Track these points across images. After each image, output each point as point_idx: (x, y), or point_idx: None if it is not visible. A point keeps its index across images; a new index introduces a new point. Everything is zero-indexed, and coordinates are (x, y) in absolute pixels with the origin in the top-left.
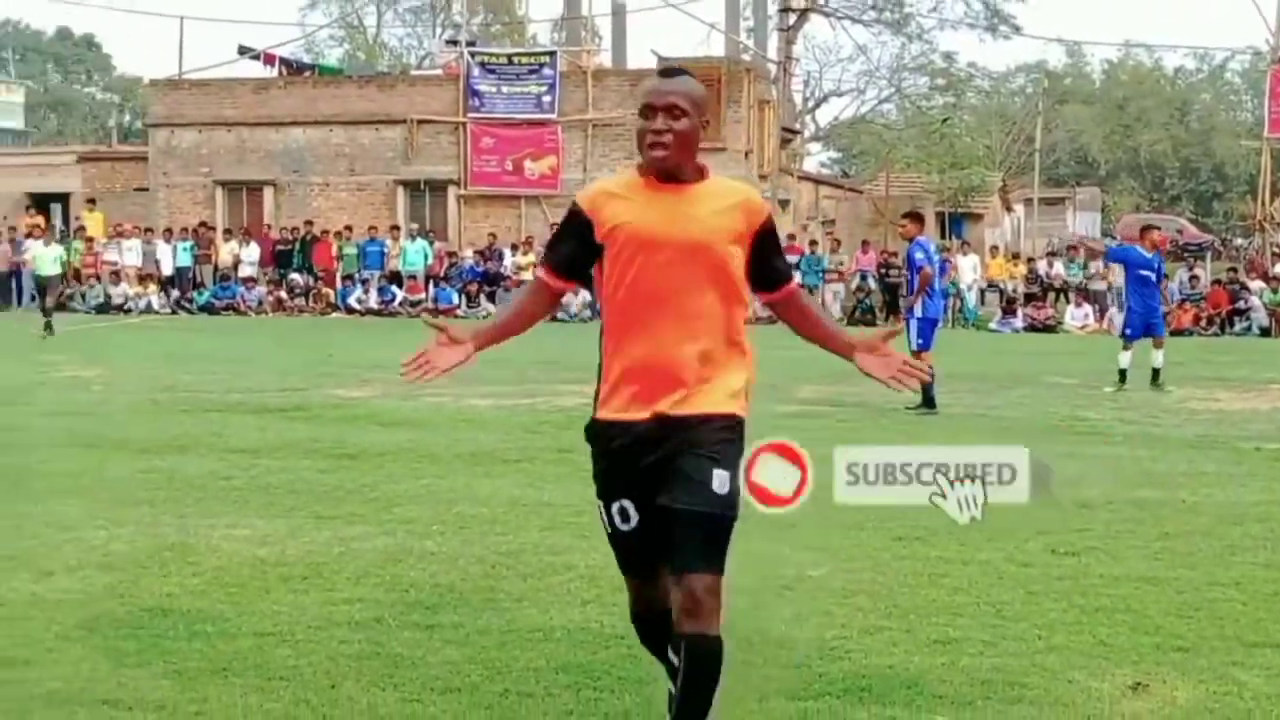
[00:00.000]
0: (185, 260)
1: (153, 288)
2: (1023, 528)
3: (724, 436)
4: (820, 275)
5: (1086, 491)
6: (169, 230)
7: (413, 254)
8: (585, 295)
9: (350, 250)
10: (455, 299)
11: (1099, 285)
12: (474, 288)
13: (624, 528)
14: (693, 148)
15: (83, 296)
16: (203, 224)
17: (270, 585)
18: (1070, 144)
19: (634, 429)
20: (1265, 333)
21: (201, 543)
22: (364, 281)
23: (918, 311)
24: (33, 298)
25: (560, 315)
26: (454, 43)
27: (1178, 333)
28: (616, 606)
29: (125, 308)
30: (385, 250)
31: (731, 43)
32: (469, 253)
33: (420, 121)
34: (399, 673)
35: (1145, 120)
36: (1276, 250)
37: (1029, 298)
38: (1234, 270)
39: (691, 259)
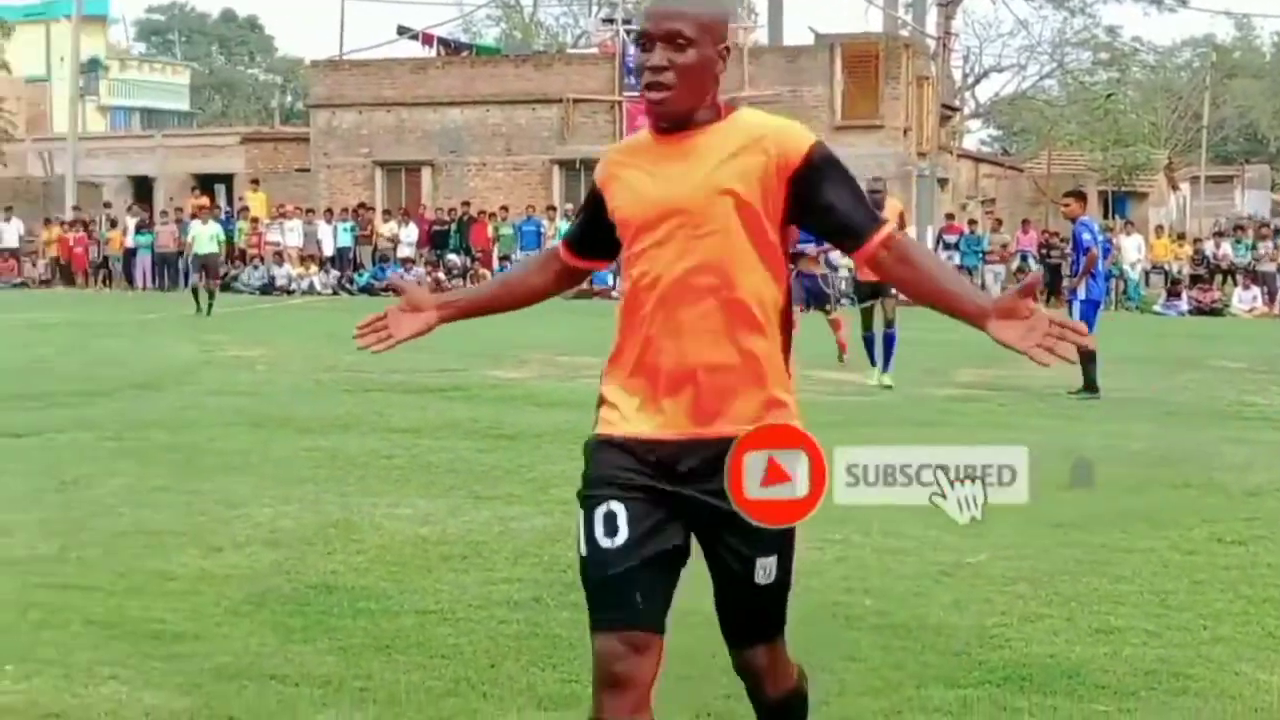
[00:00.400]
0: (346, 241)
1: (314, 268)
2: (1188, 515)
3: None
4: (980, 256)
5: (1254, 478)
6: (329, 211)
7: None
8: None
9: (506, 230)
10: (610, 280)
11: (1268, 267)
12: None
13: (606, 543)
14: (705, 86)
15: (246, 277)
16: (362, 205)
17: (431, 564)
18: (1239, 120)
19: (640, 449)
20: None
21: (364, 520)
22: (520, 261)
23: (1080, 294)
24: (183, 278)
25: None
26: (610, 21)
27: None
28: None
29: (289, 289)
30: (542, 230)
31: (889, 18)
32: None
33: (576, 100)
34: (558, 653)
35: None
36: None
37: (1195, 280)
38: None
39: (693, 231)
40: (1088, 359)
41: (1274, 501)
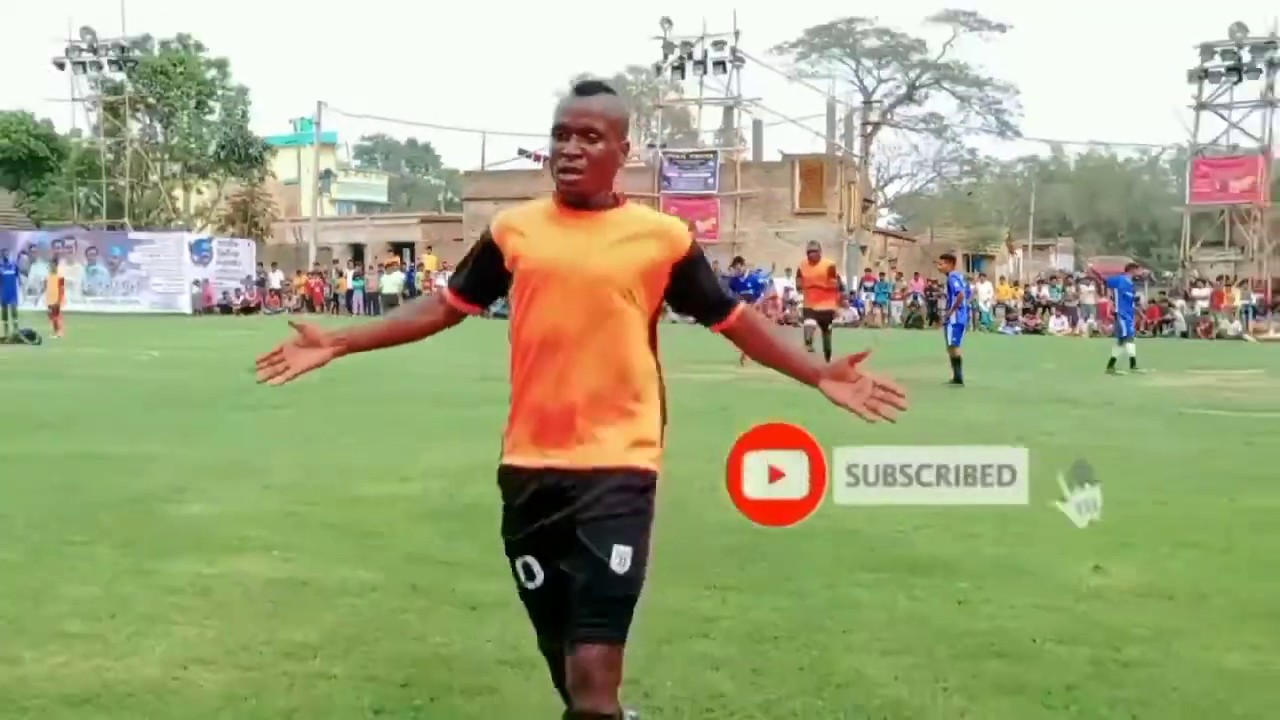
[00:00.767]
0: None
1: None
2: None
3: (624, 500)
4: (888, 295)
5: (1063, 440)
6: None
7: None
8: None
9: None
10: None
11: (1072, 303)
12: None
13: (530, 585)
14: (608, 173)
15: None
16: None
17: None
18: (1054, 209)
19: (531, 480)
20: (1184, 335)
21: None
22: None
23: (953, 320)
24: (379, 309)
25: None
26: (652, 146)
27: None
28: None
29: None
30: None
31: (830, 144)
32: None
33: (630, 196)
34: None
35: (1104, 194)
36: (1192, 281)
37: (1025, 311)
38: (1164, 293)
39: (591, 294)
40: (956, 362)
41: (1081, 454)
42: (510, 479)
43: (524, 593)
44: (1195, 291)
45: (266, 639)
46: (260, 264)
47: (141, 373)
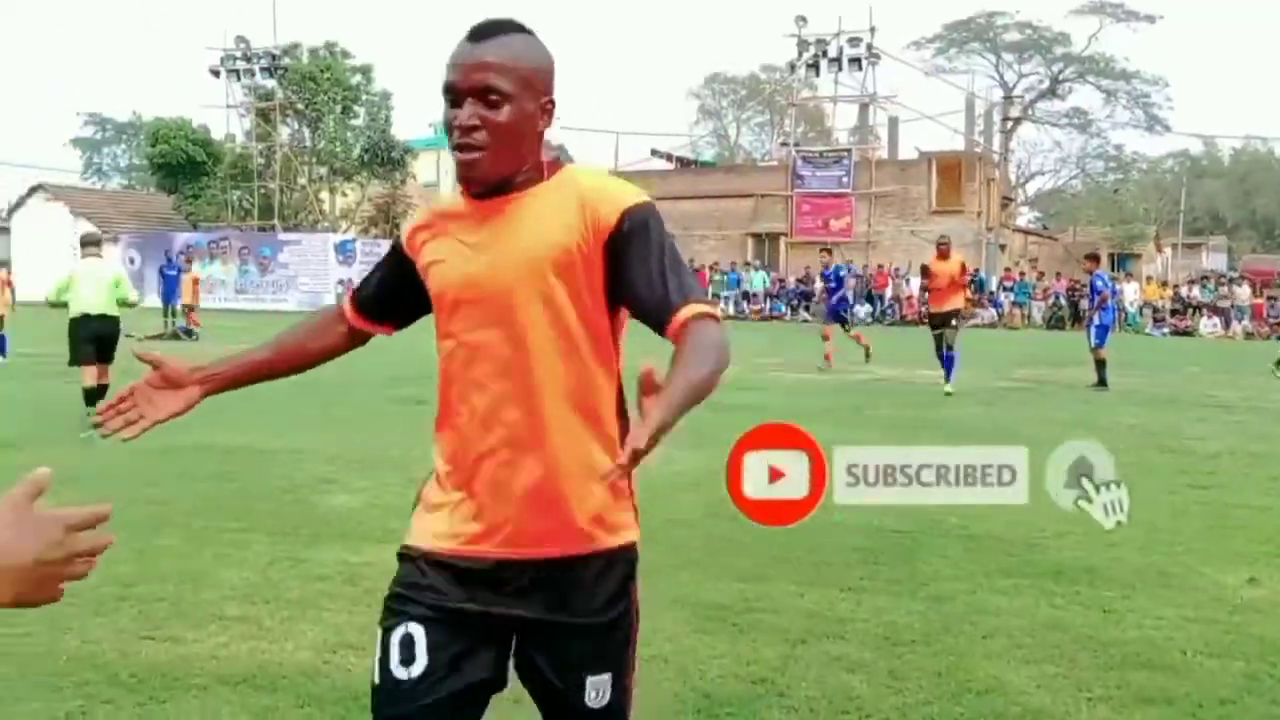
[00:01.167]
0: None
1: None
2: (1169, 469)
3: (598, 610)
4: (1027, 295)
5: (1213, 445)
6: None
7: (757, 280)
8: None
9: (718, 277)
10: (783, 308)
11: (1224, 304)
12: (795, 302)
13: (400, 674)
14: (523, 146)
15: None
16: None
17: (680, 487)
18: (1205, 206)
19: (450, 564)
20: None
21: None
22: (726, 298)
23: (1096, 321)
24: None
25: None
26: (785, 144)
27: None
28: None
29: None
30: (740, 278)
31: (969, 140)
32: (793, 279)
33: (763, 195)
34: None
35: (1260, 189)
36: None
37: (1173, 312)
38: None
39: (510, 310)
40: (1100, 364)
41: (1228, 461)
42: (416, 559)
43: (384, 684)
44: None
45: None
46: None
47: None
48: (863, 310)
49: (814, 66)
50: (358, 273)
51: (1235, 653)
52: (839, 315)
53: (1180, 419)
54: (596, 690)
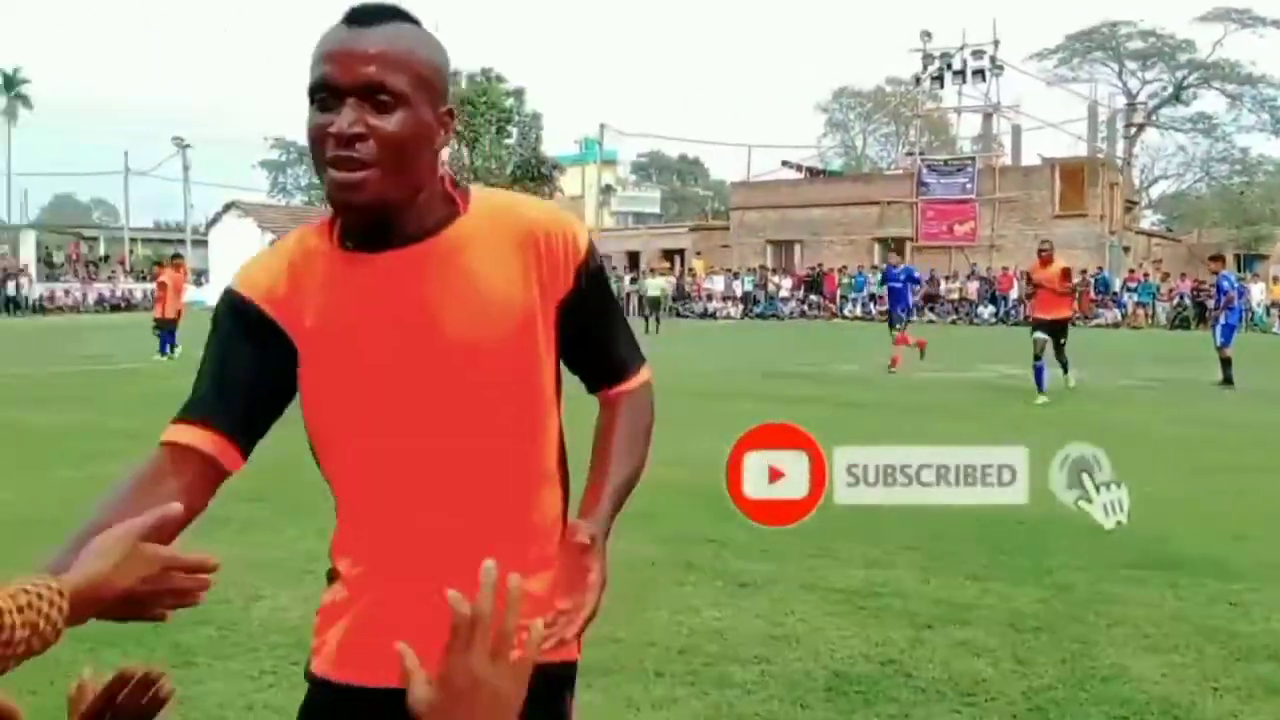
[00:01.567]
0: (749, 287)
1: (730, 304)
2: None
3: None
4: (1152, 296)
5: None
6: (737, 270)
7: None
8: None
9: (846, 280)
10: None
11: None
12: (920, 302)
13: None
14: (417, 163)
15: (690, 310)
16: (761, 265)
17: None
18: None
19: (359, 699)
20: None
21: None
22: (854, 300)
23: (1222, 320)
24: (642, 308)
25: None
26: (911, 154)
27: None
28: None
29: (715, 315)
30: (866, 280)
31: (1092, 146)
32: None
33: (889, 202)
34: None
35: None
36: None
37: None
38: None
39: (448, 381)
40: (1225, 363)
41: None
42: (316, 699)
43: None
44: None
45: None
46: None
47: None
48: (986, 311)
49: (938, 79)
50: None
51: None
52: (895, 318)
53: None
54: None
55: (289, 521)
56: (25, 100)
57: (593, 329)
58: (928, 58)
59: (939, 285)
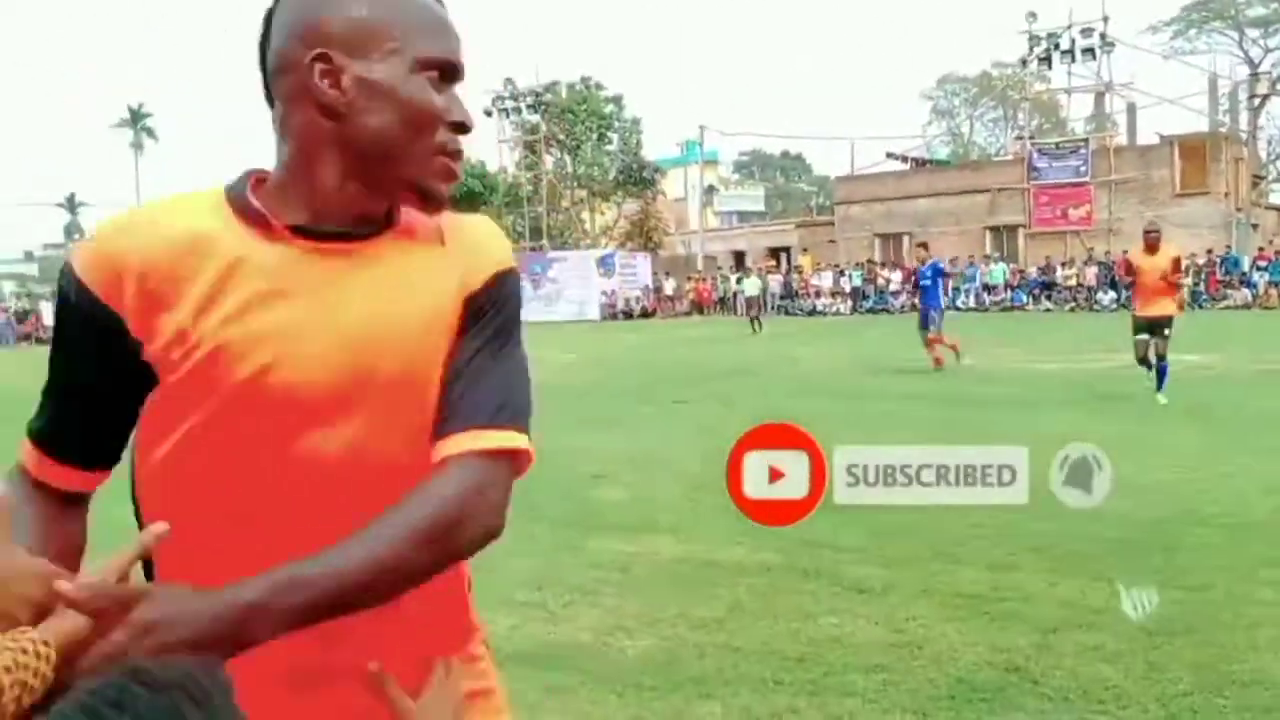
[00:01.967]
0: (857, 281)
1: (839, 299)
2: None
3: None
4: None
5: None
6: (844, 265)
7: (996, 272)
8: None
9: (957, 272)
10: (1024, 298)
11: None
12: (1036, 292)
13: None
14: None
15: (798, 308)
16: (868, 260)
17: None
18: None
19: None
20: None
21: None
22: (966, 291)
23: None
24: (739, 309)
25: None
26: (1020, 138)
27: None
28: None
29: (823, 312)
30: (978, 271)
31: (1213, 121)
32: (1034, 270)
33: (999, 189)
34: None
35: None
36: None
37: None
38: None
39: (376, 410)
40: None
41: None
42: None
43: None
44: None
45: (678, 612)
46: (655, 274)
47: (562, 375)
48: (1106, 297)
49: (1045, 60)
50: (618, 284)
51: None
52: (927, 318)
53: None
54: None
55: None
56: (150, 133)
57: (464, 350)
58: (1034, 39)
59: (1054, 272)
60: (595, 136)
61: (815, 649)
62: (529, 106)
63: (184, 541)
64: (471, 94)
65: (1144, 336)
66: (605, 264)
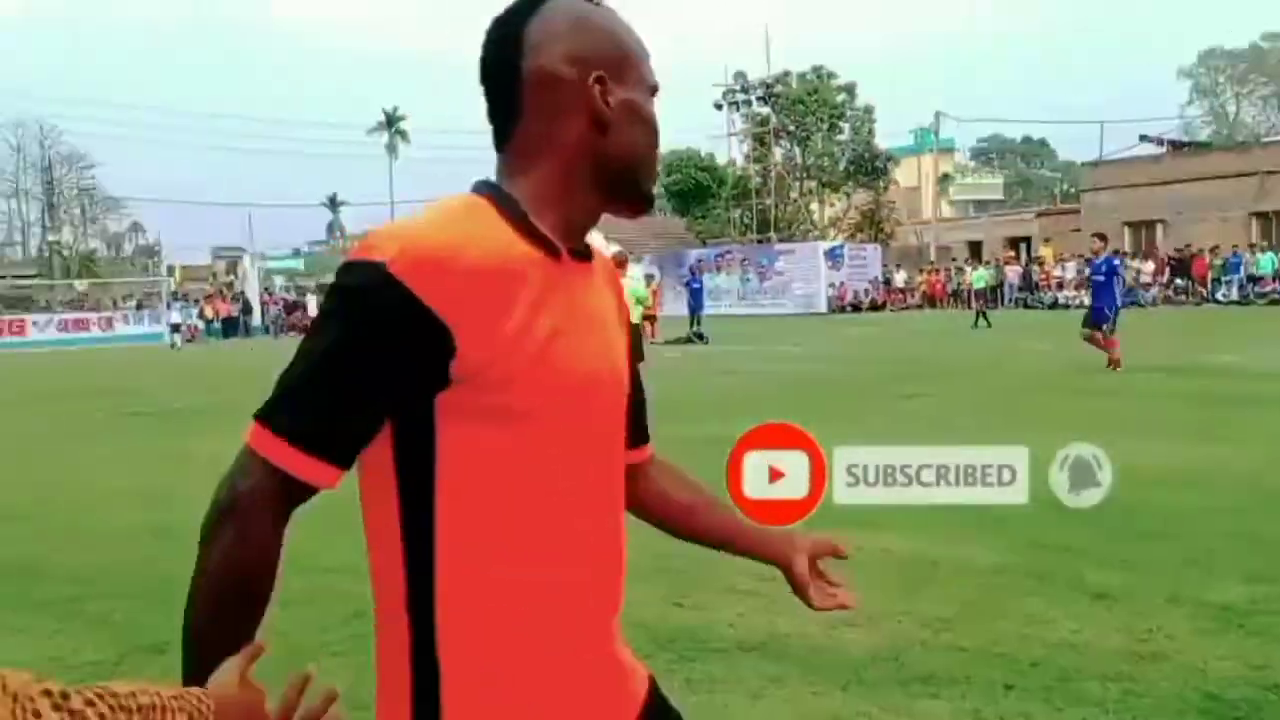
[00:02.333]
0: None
1: (1084, 292)
2: None
3: None
4: None
5: None
6: (1089, 255)
7: (1264, 262)
8: None
9: (1218, 262)
10: None
11: None
12: None
13: None
14: None
15: (1039, 300)
16: (1117, 249)
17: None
18: None
19: None
20: None
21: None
22: (1228, 283)
23: None
24: (970, 302)
25: None
26: None
27: None
28: None
29: (1065, 305)
30: (1243, 260)
31: None
32: None
33: (1269, 172)
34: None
35: None
36: None
37: None
38: None
39: (618, 420)
40: None
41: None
42: None
43: None
44: None
45: (905, 609)
46: (886, 265)
47: (790, 366)
48: None
49: None
50: (846, 275)
51: None
52: (1100, 317)
53: None
54: None
55: None
56: (404, 135)
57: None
58: None
59: None
60: (826, 126)
61: (1049, 654)
62: (759, 99)
63: (512, 560)
64: (700, 88)
65: None
66: (833, 256)
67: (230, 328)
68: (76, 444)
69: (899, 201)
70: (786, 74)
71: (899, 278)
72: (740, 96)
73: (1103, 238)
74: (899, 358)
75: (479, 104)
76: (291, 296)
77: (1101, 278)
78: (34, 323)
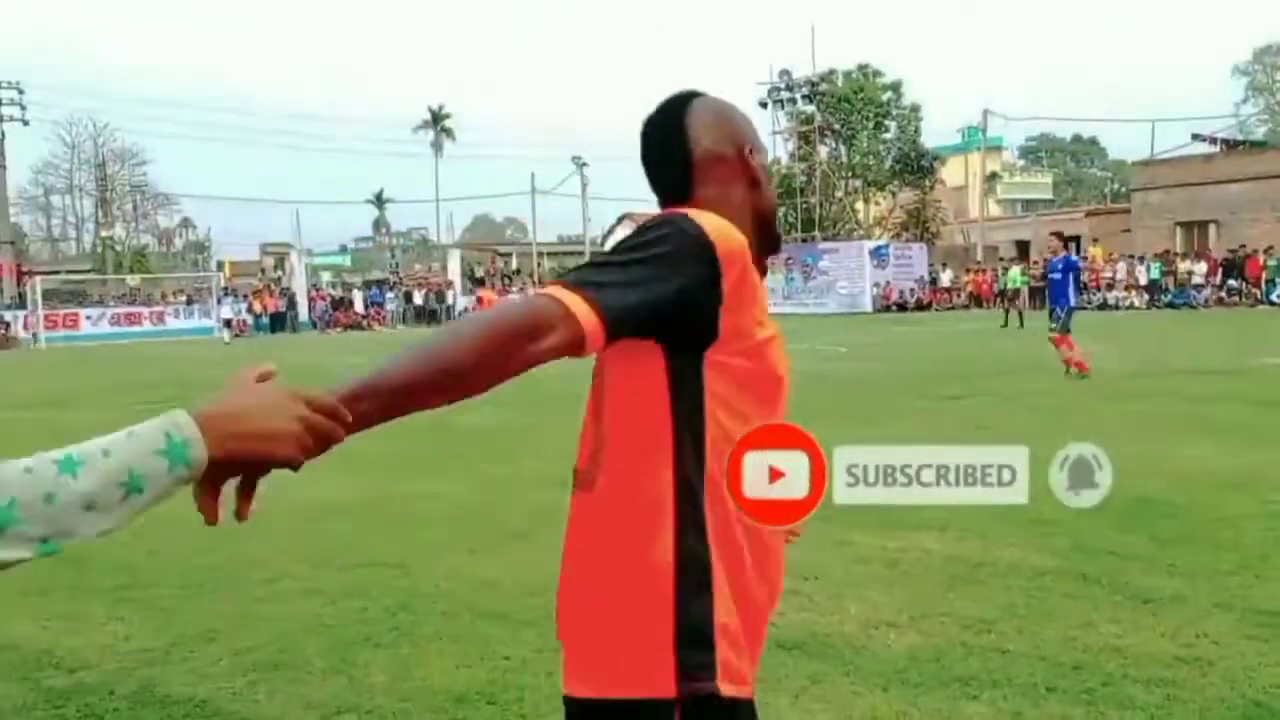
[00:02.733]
0: (1155, 274)
1: (1135, 293)
2: None
3: None
4: None
5: None
6: (1141, 256)
7: None
8: None
9: (1272, 263)
10: None
11: None
12: None
13: None
14: None
15: (1087, 301)
16: (1166, 251)
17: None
18: None
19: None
20: None
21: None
22: None
23: None
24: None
25: None
26: None
27: None
28: None
29: (1115, 306)
30: None
31: None
32: None
33: None
34: None
35: None
36: None
37: None
38: None
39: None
40: None
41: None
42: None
43: None
44: None
45: (946, 610)
46: (932, 265)
47: (835, 365)
48: None
49: None
50: (891, 275)
51: None
52: (1054, 316)
53: None
54: None
55: None
56: (449, 133)
57: None
58: None
59: None
60: (872, 125)
61: (1092, 657)
62: (804, 97)
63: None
64: (745, 86)
65: None
66: (879, 255)
67: (278, 323)
68: None
69: (946, 201)
70: (832, 71)
71: (945, 277)
72: (785, 94)
73: (1060, 236)
74: (943, 357)
75: (527, 104)
76: (338, 292)
77: (1057, 275)
78: (87, 317)
